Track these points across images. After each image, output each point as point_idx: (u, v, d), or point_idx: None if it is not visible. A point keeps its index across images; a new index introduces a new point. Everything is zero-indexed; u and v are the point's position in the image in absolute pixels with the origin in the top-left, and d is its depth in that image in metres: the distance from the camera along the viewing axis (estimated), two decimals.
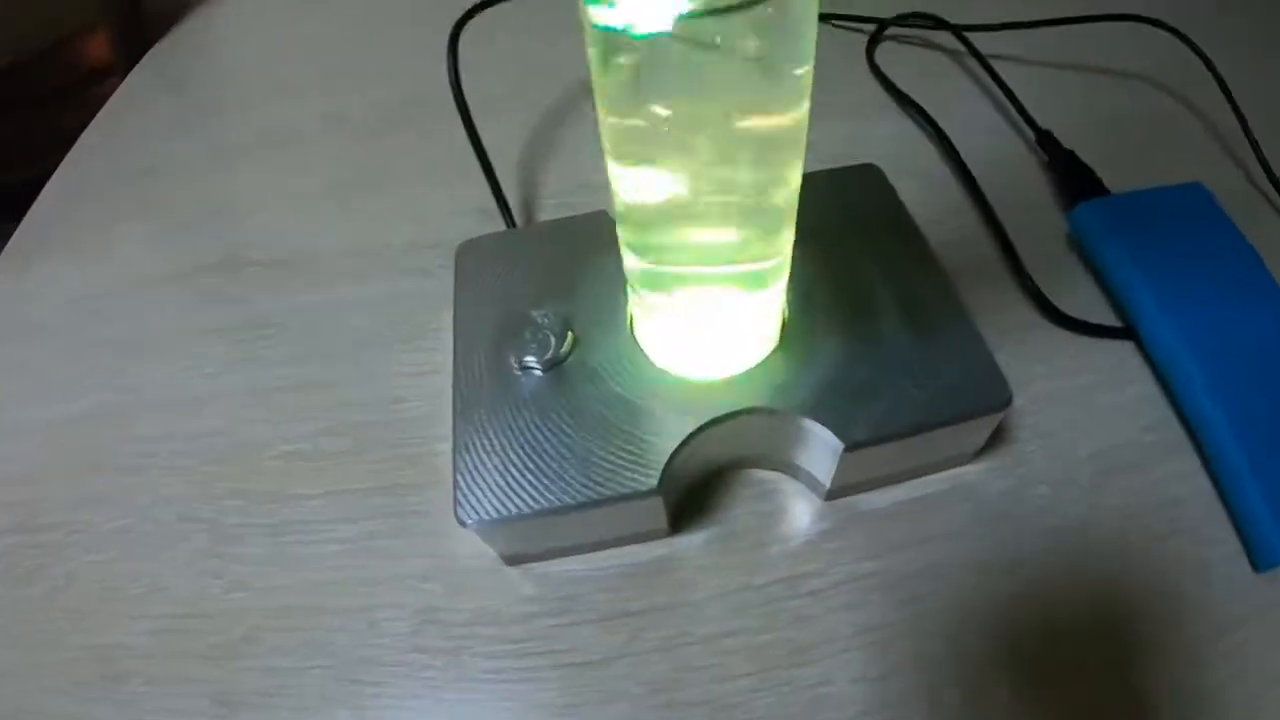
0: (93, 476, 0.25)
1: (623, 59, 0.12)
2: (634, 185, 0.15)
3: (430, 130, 0.34)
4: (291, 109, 0.37)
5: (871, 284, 0.21)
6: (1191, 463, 0.23)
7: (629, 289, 0.19)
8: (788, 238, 0.16)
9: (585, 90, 0.35)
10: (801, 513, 0.21)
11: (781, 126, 0.13)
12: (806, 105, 0.13)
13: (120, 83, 0.45)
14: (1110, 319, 0.26)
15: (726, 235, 0.15)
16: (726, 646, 0.19)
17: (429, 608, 0.20)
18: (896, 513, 0.21)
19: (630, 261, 0.17)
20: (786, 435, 0.20)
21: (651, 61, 0.12)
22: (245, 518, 0.23)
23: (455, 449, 0.19)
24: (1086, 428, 0.23)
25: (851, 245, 0.22)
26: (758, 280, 0.17)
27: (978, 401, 0.19)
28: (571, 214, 0.25)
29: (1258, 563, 0.21)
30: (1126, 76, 0.33)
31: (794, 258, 0.18)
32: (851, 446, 0.18)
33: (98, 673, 0.21)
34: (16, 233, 0.36)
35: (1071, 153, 0.28)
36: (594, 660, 0.19)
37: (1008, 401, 0.19)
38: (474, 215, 0.30)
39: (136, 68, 0.44)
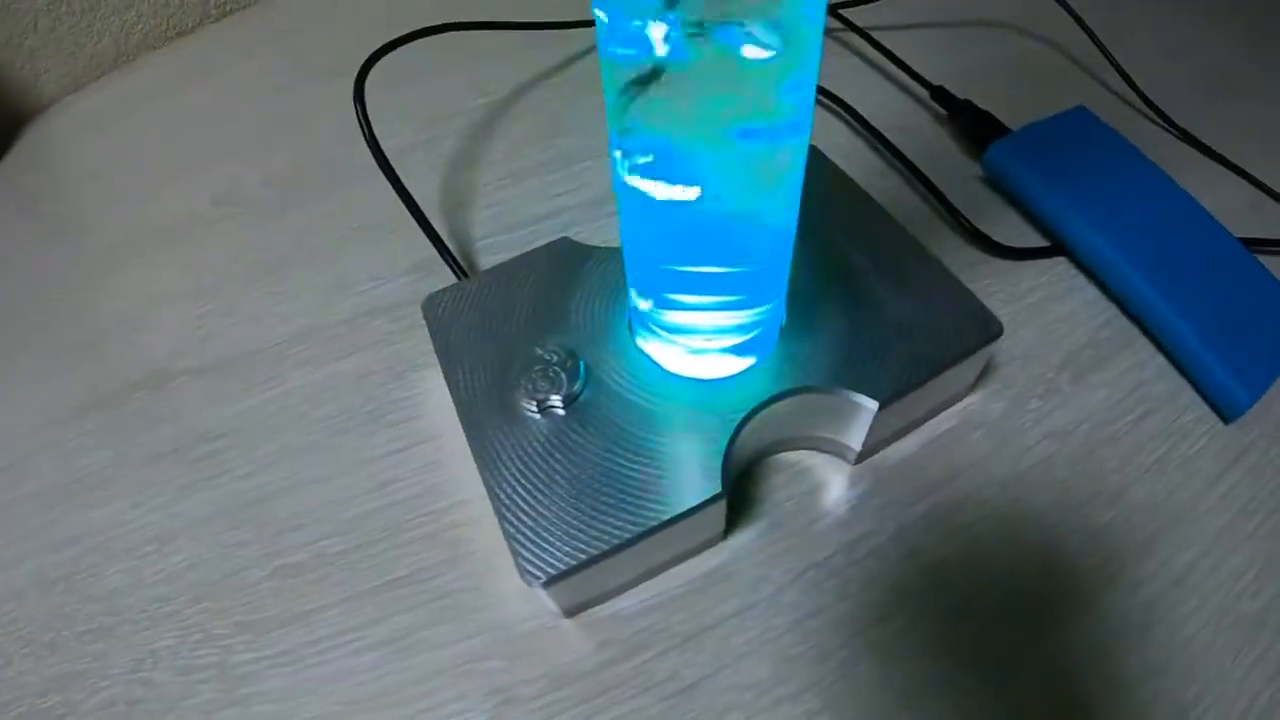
0: (55, 653, 0.22)
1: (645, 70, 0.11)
2: (648, 194, 0.14)
3: (334, 194, 0.32)
4: (173, 200, 0.34)
5: (850, 256, 0.22)
6: (1146, 348, 0.25)
7: (636, 315, 0.19)
8: (791, 234, 0.16)
9: (494, 130, 0.34)
10: (839, 482, 0.21)
11: (786, 121, 0.13)
12: (812, 98, 0.13)
13: None
14: (1039, 241, 0.28)
15: (740, 237, 0.15)
16: (813, 627, 0.19)
17: (499, 687, 0.19)
18: (923, 457, 0.22)
19: (639, 285, 0.17)
20: (817, 411, 0.20)
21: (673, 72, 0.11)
22: (256, 651, 0.21)
23: (497, 512, 0.18)
24: (1050, 339, 0.25)
25: (820, 224, 0.23)
26: (767, 278, 0.17)
27: (975, 337, 0.20)
28: (512, 253, 0.24)
29: (1225, 415, 0.24)
30: (991, 25, 0.36)
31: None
32: (885, 403, 0.18)
33: None
34: None
35: (968, 101, 0.30)
36: (693, 682, 0.18)
37: (1000, 331, 0.20)
38: (409, 274, 0.28)
39: None
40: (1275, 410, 0.24)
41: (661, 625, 0.19)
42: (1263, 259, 0.26)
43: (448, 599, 0.20)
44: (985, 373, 0.24)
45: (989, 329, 0.20)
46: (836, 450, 0.21)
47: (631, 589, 0.20)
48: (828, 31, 0.36)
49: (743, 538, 0.20)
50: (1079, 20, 0.33)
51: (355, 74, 0.28)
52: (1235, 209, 0.28)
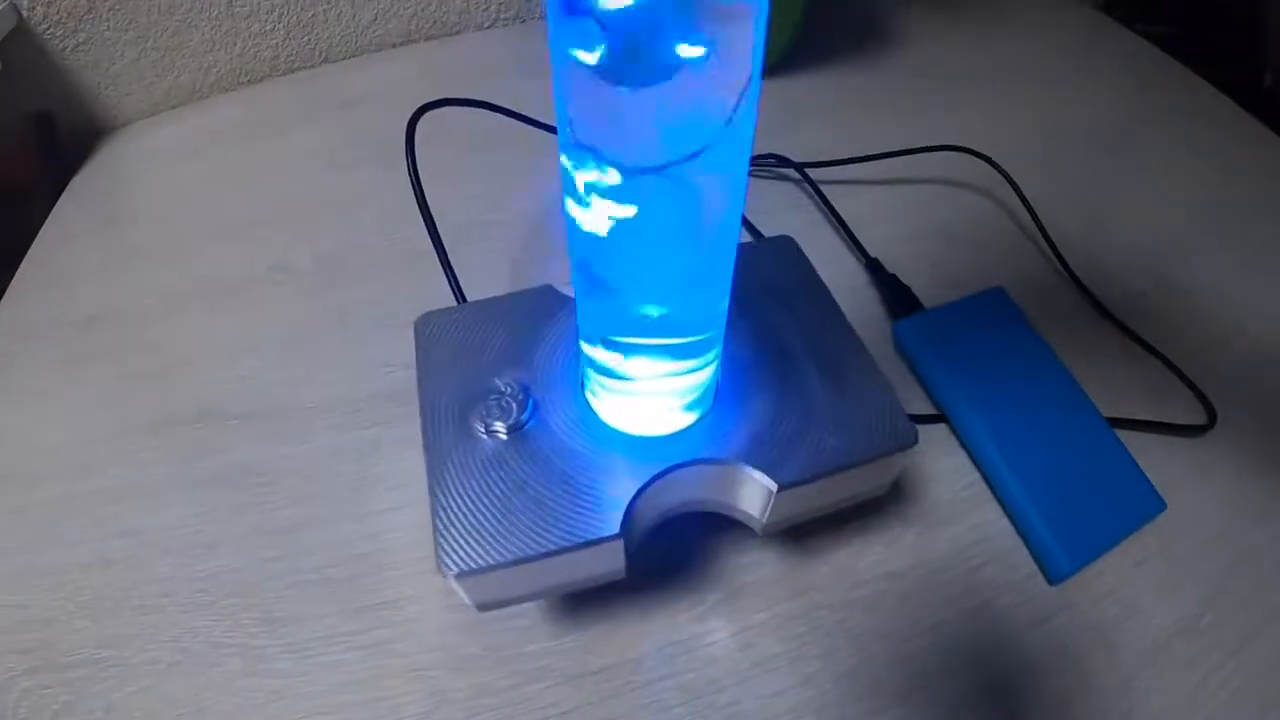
0: (112, 617, 0.35)
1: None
2: (594, 260, 0.21)
3: (368, 281, 0.46)
4: (234, 257, 0.48)
5: (792, 343, 0.30)
6: (995, 511, 0.37)
7: (584, 359, 0.26)
8: (722, 311, 0.24)
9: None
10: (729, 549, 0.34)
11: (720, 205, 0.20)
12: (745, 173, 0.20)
13: (37, 207, 0.54)
14: (928, 408, 0.40)
15: (671, 310, 0.22)
16: (666, 686, 0.31)
17: (438, 690, 0.32)
18: (774, 576, 0.34)
19: (587, 336, 0.25)
20: (727, 481, 0.28)
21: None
22: (272, 640, 0.34)
23: (433, 509, 0.26)
24: (911, 496, 0.37)
25: (772, 310, 0.31)
26: (697, 350, 0.24)
27: (887, 443, 0.27)
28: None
29: (1050, 577, 0.35)
30: (945, 195, 0.49)
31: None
32: (785, 487, 0.26)
33: None
34: None
35: (894, 276, 0.42)
36: (569, 709, 0.31)
37: (914, 441, 0.27)
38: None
39: (61, 201, 0.54)
40: (1102, 579, 0.35)
41: (557, 666, 0.32)
42: (1137, 436, 0.38)
43: (410, 624, 0.33)
44: (847, 515, 0.36)
45: (903, 438, 0.27)
46: (744, 519, 0.30)
47: (537, 598, 0.31)
48: (792, 182, 0.49)
49: (640, 580, 0.32)
50: (1022, 196, 0.46)
51: (401, 166, 0.40)
52: (1132, 387, 0.40)
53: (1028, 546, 0.36)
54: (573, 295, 0.31)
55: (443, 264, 0.38)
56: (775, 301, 0.31)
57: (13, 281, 0.50)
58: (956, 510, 0.37)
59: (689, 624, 0.33)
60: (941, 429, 0.39)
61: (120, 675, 0.33)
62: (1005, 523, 0.37)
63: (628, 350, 0.24)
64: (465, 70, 0.60)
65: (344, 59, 0.60)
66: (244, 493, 0.38)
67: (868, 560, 0.35)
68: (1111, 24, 0.64)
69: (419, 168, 0.38)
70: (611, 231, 0.20)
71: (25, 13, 0.53)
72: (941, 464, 0.38)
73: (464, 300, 0.36)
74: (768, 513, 0.28)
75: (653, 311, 0.22)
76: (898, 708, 0.31)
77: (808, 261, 0.34)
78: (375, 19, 0.58)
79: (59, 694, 0.33)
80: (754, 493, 0.28)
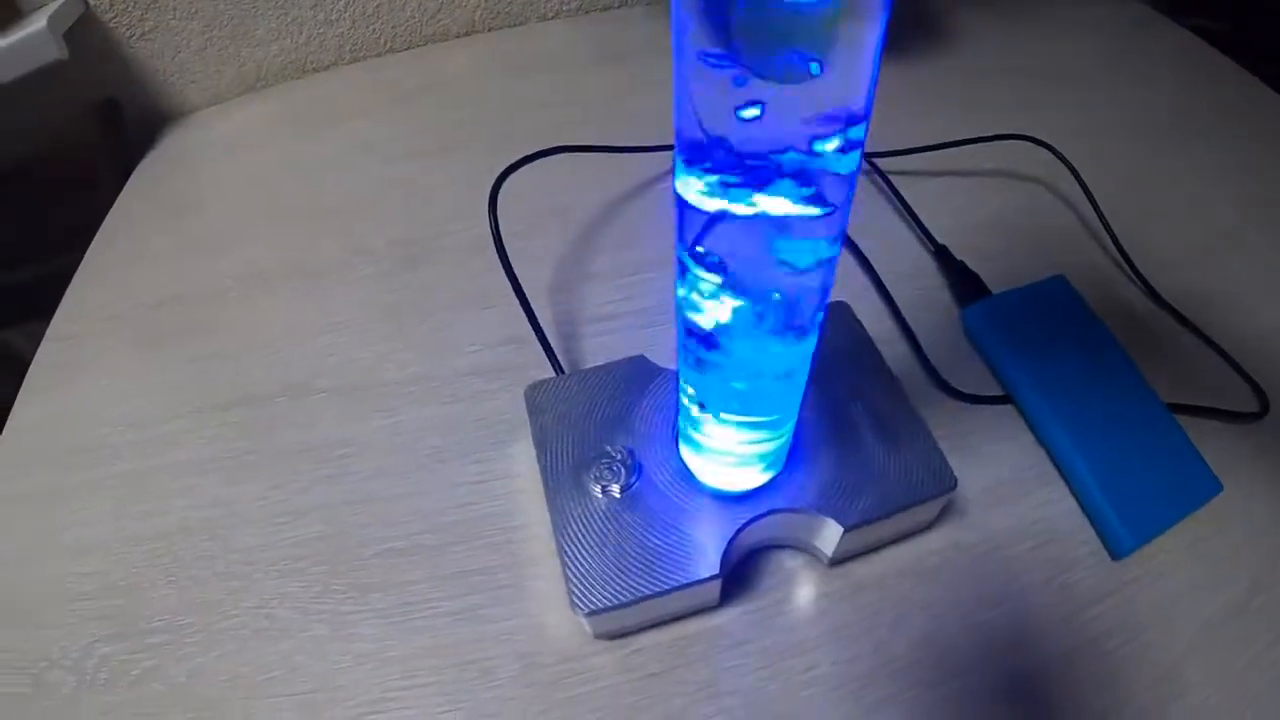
0: (196, 584, 0.36)
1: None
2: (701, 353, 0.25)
3: (446, 264, 0.47)
4: (305, 243, 0.49)
5: (849, 402, 0.35)
6: (1059, 489, 0.38)
7: (683, 427, 0.31)
8: (798, 395, 0.28)
9: (591, 233, 0.49)
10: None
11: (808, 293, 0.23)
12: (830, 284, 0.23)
13: (103, 195, 0.55)
14: (995, 389, 0.41)
15: (756, 392, 0.27)
16: (747, 650, 0.33)
17: (527, 653, 0.33)
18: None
19: (687, 405, 0.29)
20: (801, 524, 0.33)
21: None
22: (360, 605, 0.35)
23: (562, 561, 0.31)
24: (976, 473, 0.38)
25: (832, 373, 0.35)
26: (777, 425, 0.29)
27: (932, 488, 0.33)
28: (591, 344, 0.38)
29: (1114, 553, 0.36)
30: (1007, 185, 0.50)
31: None
32: (850, 528, 0.31)
33: None
34: (41, 351, 0.46)
35: (962, 264, 0.43)
36: (656, 672, 0.32)
37: (953, 485, 0.33)
38: (502, 345, 0.43)
39: (127, 188, 0.55)
40: (1161, 556, 0.36)
41: (639, 638, 0.33)
42: (1194, 421, 0.38)
43: (500, 590, 0.34)
44: None
45: (944, 484, 0.33)
46: (816, 553, 0.35)
47: (646, 626, 0.33)
48: (862, 172, 0.50)
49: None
50: (1085, 188, 0.47)
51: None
52: (1187, 374, 0.41)
53: (1091, 523, 0.37)
54: (662, 366, 0.37)
55: (533, 326, 0.40)
56: (834, 365, 0.36)
57: (80, 266, 0.51)
58: (1021, 488, 0.38)
59: (769, 591, 0.34)
60: (1008, 410, 0.40)
61: (204, 640, 0.34)
62: (1067, 502, 0.37)
63: (721, 421, 0.28)
64: (529, 62, 0.61)
65: (408, 49, 0.61)
66: (329, 464, 0.39)
67: (937, 533, 0.36)
68: (1162, 19, 0.64)
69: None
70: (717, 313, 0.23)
71: (92, 1, 0.55)
72: (1005, 444, 0.39)
73: (562, 370, 0.40)
74: (835, 548, 0.33)
75: (740, 386, 0.26)
76: (964, 677, 0.32)
77: (860, 324, 0.38)
78: (440, 9, 0.59)
79: (141, 659, 0.34)
80: (824, 533, 0.33)
